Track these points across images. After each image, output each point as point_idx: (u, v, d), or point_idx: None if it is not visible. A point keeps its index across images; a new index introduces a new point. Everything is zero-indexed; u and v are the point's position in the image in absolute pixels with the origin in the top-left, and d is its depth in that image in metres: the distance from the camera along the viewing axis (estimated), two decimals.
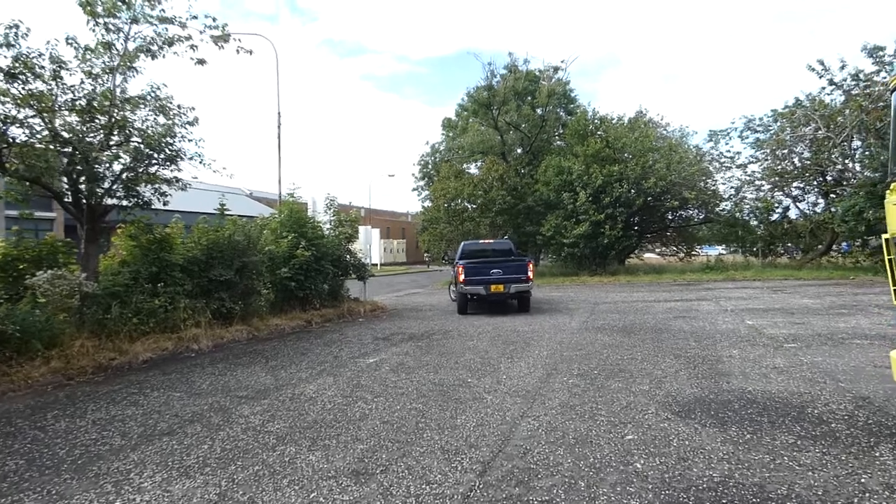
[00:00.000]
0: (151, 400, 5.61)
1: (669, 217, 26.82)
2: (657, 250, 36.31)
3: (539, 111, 31.85)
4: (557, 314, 12.47)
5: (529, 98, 33.07)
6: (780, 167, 24.08)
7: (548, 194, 24.77)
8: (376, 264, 35.51)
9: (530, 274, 12.96)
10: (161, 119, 8.92)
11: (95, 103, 7.98)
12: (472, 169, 32.81)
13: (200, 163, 9.37)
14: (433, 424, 4.55)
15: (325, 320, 12.25)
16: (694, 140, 28.06)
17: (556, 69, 30.46)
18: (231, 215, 11.07)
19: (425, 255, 26.91)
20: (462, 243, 15.73)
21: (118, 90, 8.33)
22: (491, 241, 16.76)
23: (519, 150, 32.69)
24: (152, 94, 8.66)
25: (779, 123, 24.36)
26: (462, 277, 12.69)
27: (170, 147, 8.48)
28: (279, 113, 14.79)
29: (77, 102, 7.94)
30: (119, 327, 7.90)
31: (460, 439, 4.17)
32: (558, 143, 33.49)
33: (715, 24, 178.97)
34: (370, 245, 19.66)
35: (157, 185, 8.79)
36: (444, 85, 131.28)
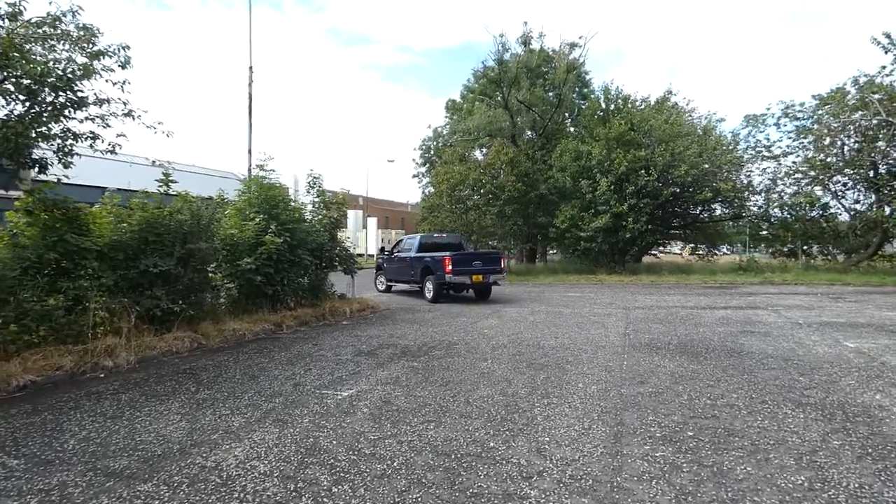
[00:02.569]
0: None
1: (696, 211, 24.51)
2: (677, 248, 34.09)
3: (552, 95, 29.49)
4: (586, 323, 10.26)
5: (541, 81, 30.71)
6: (824, 158, 21.78)
7: (563, 181, 22.50)
8: (373, 255, 33.25)
9: (504, 265, 15.59)
10: (80, 58, 6.68)
11: None
12: (479, 155, 30.51)
13: (128, 115, 7.10)
14: None
15: (300, 323, 10.05)
16: (720, 129, 25.47)
17: (572, 46, 28.08)
18: (188, 194, 8.78)
19: None
20: (419, 236, 16.91)
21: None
22: (444, 235, 18.64)
23: (530, 134, 30.37)
24: (56, 17, 6.38)
25: (823, 110, 22.07)
26: (449, 268, 13.88)
27: (70, 86, 6.20)
28: (250, 68, 12.47)
29: None
30: None
31: None
32: (572, 130, 31.18)
33: (720, 16, 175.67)
34: (361, 233, 17.41)
35: (62, 142, 6.51)
36: (446, 76, 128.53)
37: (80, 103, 6.38)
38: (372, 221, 40.31)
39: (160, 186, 8.34)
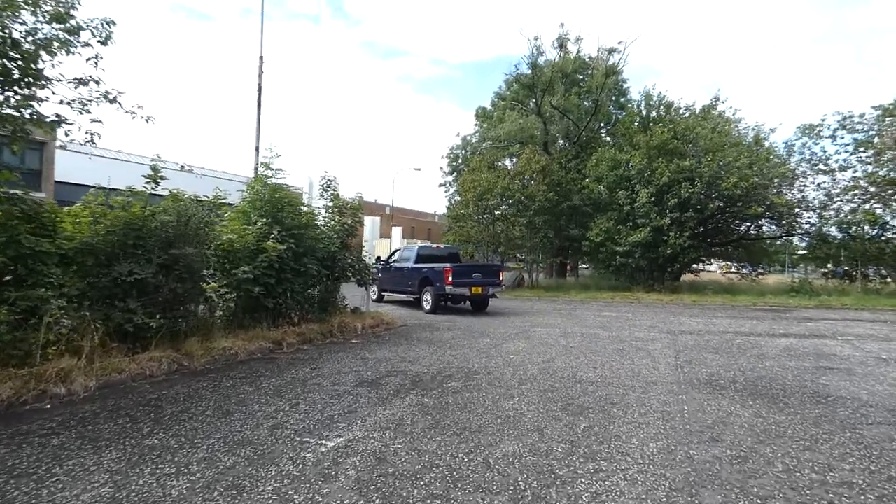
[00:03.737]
0: None
1: (744, 227, 22.74)
2: (713, 266, 32.11)
3: (587, 103, 28.16)
4: (628, 350, 8.94)
5: (576, 88, 29.45)
6: (886, 173, 19.87)
7: (599, 192, 21.12)
8: None
9: (501, 279, 15.55)
10: (46, 28, 5.83)
11: None
12: (508, 164, 29.34)
13: (106, 98, 6.21)
14: None
15: (304, 341, 9.00)
16: (771, 140, 23.64)
17: (611, 51, 26.77)
18: (180, 192, 7.88)
19: None
20: (416, 247, 17.09)
21: None
22: (441, 246, 18.63)
23: (562, 143, 29.08)
24: None
25: (886, 121, 20.21)
26: (450, 280, 13.77)
27: (22, 54, 5.30)
28: (261, 57, 11.62)
29: None
30: None
31: None
32: (608, 140, 29.76)
33: (764, 28, 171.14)
34: (378, 241, 16.53)
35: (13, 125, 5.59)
36: (478, 89, 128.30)
37: (37, 77, 5.48)
38: (397, 231, 39.42)
39: (146, 183, 7.45)
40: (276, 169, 9.64)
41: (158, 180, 7.54)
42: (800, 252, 26.24)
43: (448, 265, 14.19)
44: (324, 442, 4.21)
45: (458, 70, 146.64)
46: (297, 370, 6.93)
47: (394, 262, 16.39)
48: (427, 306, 14.38)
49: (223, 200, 8.49)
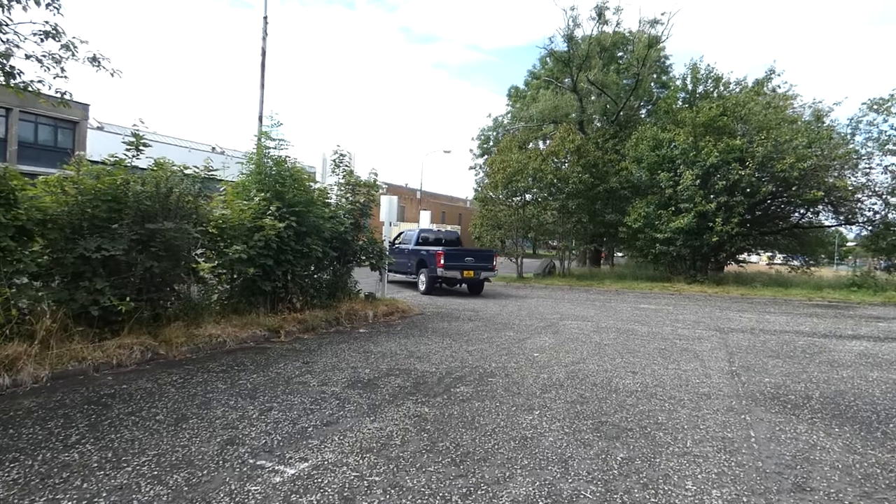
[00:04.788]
0: None
1: (799, 213, 20.85)
2: (755, 256, 30.03)
3: (627, 82, 26.36)
4: (672, 350, 7.77)
5: (615, 66, 27.63)
6: None
7: (639, 175, 19.62)
8: None
9: (495, 263, 15.38)
10: None
11: None
12: (541, 146, 27.88)
13: (65, 48, 5.37)
14: None
15: (305, 329, 8.16)
16: (833, 118, 21.50)
17: (654, 23, 24.89)
18: (166, 162, 7.08)
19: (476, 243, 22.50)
20: (418, 229, 17.68)
21: None
22: (443, 230, 19.63)
23: (598, 123, 27.44)
24: None
25: None
26: (441, 262, 14.14)
27: None
28: (265, 17, 10.61)
29: None
30: None
31: None
32: (648, 121, 27.92)
33: (810, 16, 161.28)
34: (398, 224, 15.67)
35: None
36: (513, 74, 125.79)
37: None
38: (425, 215, 38.29)
39: (127, 150, 6.64)
40: (279, 139, 8.74)
41: (141, 147, 6.73)
42: (849, 243, 24.25)
43: (441, 248, 14.62)
44: (282, 468, 3.29)
45: (494, 55, 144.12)
46: (286, 364, 6.06)
47: (399, 244, 16.53)
48: (422, 287, 14.82)
49: (213, 173, 7.62)
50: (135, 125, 6.77)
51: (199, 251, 7.47)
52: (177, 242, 6.35)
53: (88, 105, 30.15)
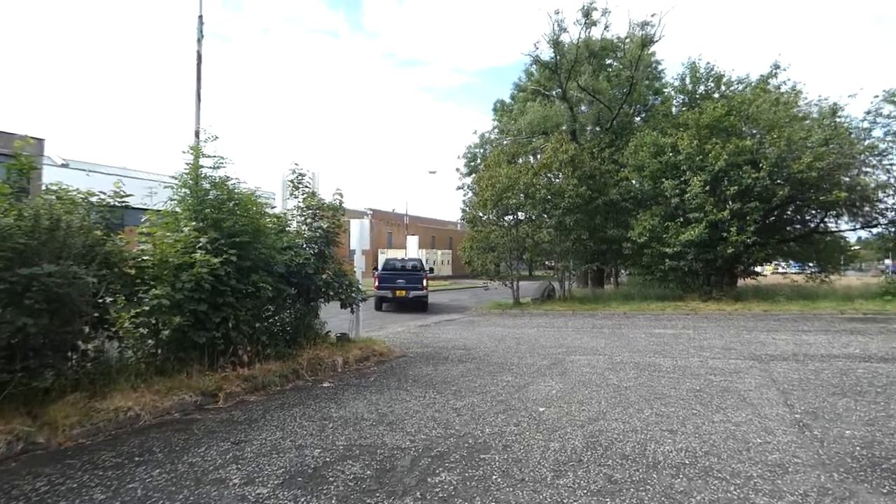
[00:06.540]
0: None
1: (819, 217, 19.71)
2: (780, 266, 28.95)
3: (618, 92, 25.49)
4: (710, 392, 6.41)
5: (604, 73, 26.84)
6: None
7: (640, 184, 18.48)
8: None
9: (425, 283, 18.79)
10: None
11: None
12: (531, 161, 26.83)
13: None
14: None
15: (252, 389, 6.74)
16: (847, 113, 20.68)
17: (644, 24, 24.10)
18: (63, 187, 5.78)
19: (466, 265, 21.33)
20: (386, 258, 22.12)
21: None
22: (405, 258, 22.95)
23: (591, 132, 26.48)
24: None
25: None
26: (376, 284, 18.11)
27: None
28: (200, 17, 9.37)
29: None
30: None
31: None
32: (644, 127, 27.02)
33: (811, 17, 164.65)
34: (368, 250, 14.41)
35: None
36: (498, 94, 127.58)
37: None
38: (413, 240, 37.23)
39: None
40: (216, 158, 7.44)
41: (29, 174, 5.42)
42: (854, 247, 23.34)
43: (378, 272, 19.08)
44: None
45: (478, 76, 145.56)
46: (208, 447, 4.65)
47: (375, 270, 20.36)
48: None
49: (126, 199, 6.28)
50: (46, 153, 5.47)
51: (109, 298, 6.11)
52: (62, 291, 4.97)
53: (43, 140, 28.88)
